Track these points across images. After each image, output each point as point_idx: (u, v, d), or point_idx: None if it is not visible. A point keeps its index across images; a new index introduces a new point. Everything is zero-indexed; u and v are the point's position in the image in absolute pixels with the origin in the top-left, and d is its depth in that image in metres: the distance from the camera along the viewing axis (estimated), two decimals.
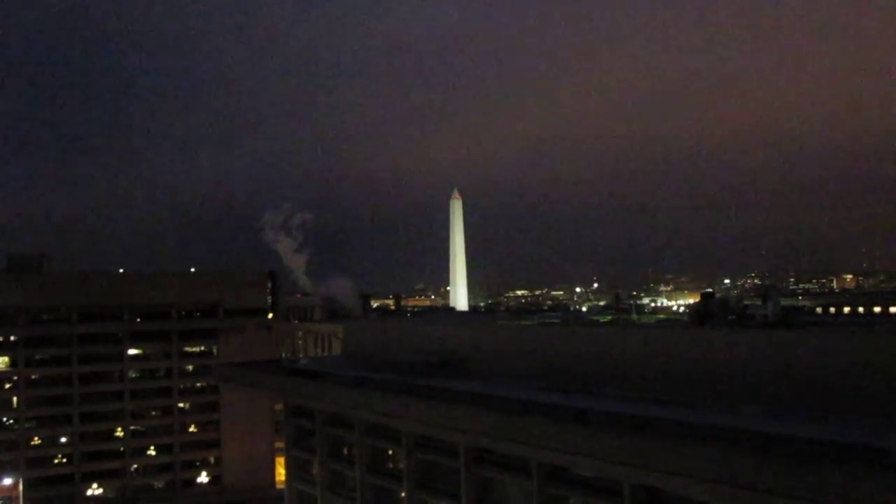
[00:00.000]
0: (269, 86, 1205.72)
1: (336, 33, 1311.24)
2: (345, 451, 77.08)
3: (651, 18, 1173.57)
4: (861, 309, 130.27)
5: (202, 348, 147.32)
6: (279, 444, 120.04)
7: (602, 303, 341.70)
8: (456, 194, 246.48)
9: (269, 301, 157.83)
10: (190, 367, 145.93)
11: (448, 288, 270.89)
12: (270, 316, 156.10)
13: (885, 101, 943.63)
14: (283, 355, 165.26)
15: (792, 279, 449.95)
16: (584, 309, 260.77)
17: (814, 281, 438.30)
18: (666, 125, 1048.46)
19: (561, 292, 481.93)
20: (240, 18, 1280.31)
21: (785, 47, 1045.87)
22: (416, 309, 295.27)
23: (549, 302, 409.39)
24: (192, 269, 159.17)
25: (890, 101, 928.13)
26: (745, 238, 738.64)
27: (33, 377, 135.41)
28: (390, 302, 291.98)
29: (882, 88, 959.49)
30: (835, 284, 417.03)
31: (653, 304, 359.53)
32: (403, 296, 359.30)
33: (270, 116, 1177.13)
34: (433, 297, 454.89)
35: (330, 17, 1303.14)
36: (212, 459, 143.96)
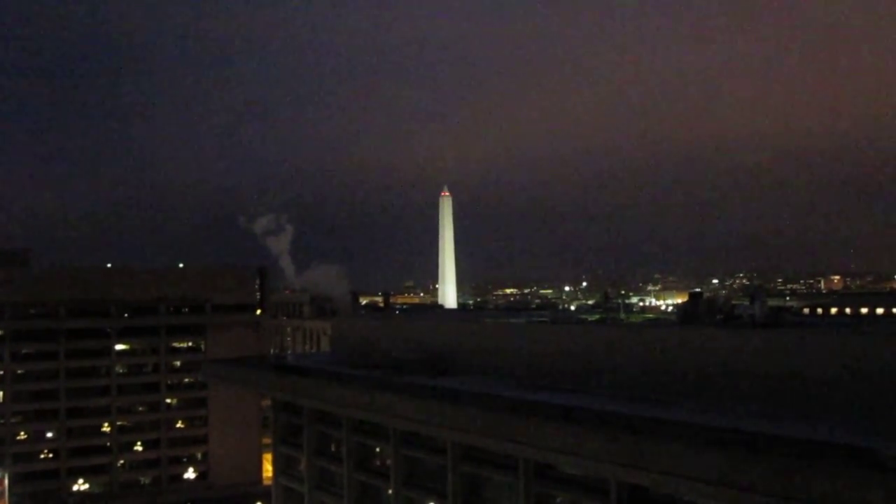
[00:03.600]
0: (261, 84, 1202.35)
1: (327, 33, 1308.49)
2: (332, 448, 77.06)
3: (643, 21, 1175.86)
4: (848, 310, 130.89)
5: (190, 344, 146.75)
6: (266, 441, 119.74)
7: (590, 302, 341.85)
8: (445, 192, 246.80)
9: (258, 297, 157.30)
10: (177, 363, 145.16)
11: (437, 285, 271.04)
12: (259, 312, 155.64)
13: (874, 103, 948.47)
14: (272, 352, 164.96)
15: (780, 280, 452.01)
16: (572, 308, 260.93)
17: (801, 282, 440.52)
18: (655, 126, 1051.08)
19: (549, 291, 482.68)
20: (235, 16, 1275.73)
21: (775, 50, 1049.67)
22: (404, 306, 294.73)
23: (538, 300, 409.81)
24: (181, 265, 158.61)
25: (879, 103, 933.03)
26: (733, 238, 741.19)
27: (19, 372, 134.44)
28: (379, 299, 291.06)
29: (872, 91, 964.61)
30: (822, 285, 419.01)
31: (641, 304, 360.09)
32: (392, 293, 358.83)
33: (261, 114, 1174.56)
34: (422, 294, 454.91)
35: (323, 16, 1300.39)
36: (199, 455, 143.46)
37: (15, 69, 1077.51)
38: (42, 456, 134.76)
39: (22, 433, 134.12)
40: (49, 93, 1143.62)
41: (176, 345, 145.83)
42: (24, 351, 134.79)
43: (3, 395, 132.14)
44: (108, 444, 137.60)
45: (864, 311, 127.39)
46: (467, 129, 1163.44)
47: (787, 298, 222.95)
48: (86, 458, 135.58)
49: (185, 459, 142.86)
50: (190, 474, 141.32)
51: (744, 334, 53.15)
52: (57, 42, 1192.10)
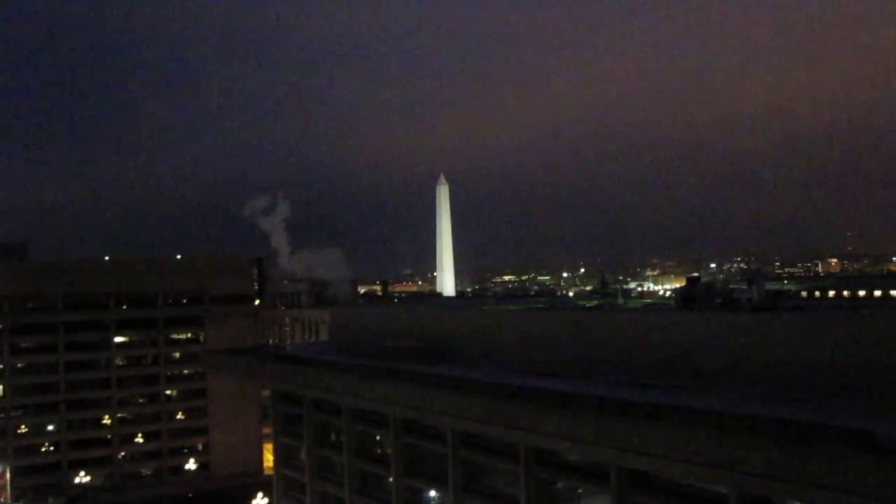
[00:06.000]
0: (261, 74, 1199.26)
1: (329, 24, 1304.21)
2: (332, 437, 77.23)
3: (640, 7, 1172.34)
4: (846, 292, 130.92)
5: (189, 335, 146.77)
6: (267, 431, 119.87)
7: (588, 287, 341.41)
8: (442, 180, 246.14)
9: (256, 287, 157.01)
10: (177, 355, 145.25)
11: (435, 273, 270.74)
12: (257, 302, 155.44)
13: (871, 86, 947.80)
14: (271, 342, 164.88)
15: (777, 263, 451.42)
16: (570, 294, 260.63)
17: (799, 265, 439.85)
18: (652, 112, 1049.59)
19: (548, 277, 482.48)
20: (234, 8, 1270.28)
21: (770, 36, 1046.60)
22: (403, 294, 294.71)
23: (536, 287, 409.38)
24: (179, 256, 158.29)
25: (874, 88, 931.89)
26: (731, 223, 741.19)
27: (19, 365, 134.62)
28: (377, 288, 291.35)
29: (869, 73, 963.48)
30: (820, 268, 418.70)
31: (639, 289, 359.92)
32: (391, 281, 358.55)
33: (260, 105, 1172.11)
34: (420, 282, 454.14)
35: (323, 7, 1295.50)
36: (199, 446, 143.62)
37: (14, 63, 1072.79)
38: (43, 449, 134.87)
39: (23, 426, 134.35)
40: (47, 86, 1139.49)
41: (175, 336, 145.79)
42: (23, 344, 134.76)
43: (3, 388, 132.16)
44: (109, 436, 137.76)
45: (861, 293, 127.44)
46: (464, 117, 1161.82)
47: (785, 282, 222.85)
48: (87, 450, 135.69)
49: (185, 450, 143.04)
50: (191, 465, 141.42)
51: (742, 318, 53.25)
52: (55, 37, 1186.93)
